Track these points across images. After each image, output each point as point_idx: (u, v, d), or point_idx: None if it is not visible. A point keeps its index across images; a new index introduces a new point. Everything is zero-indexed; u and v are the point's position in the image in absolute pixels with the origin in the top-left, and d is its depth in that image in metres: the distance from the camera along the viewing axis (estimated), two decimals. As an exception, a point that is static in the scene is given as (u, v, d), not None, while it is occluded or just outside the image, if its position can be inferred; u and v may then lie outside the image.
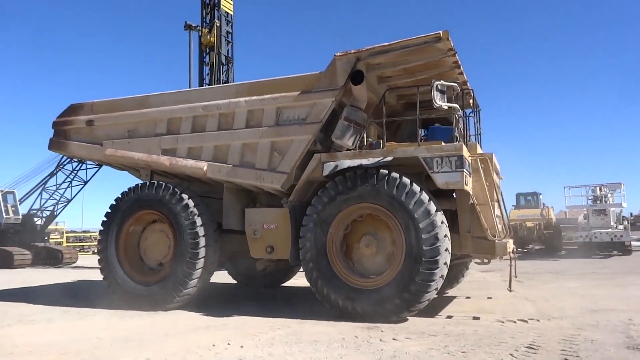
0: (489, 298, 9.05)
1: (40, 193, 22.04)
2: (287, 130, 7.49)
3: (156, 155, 8.36)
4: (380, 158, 6.94)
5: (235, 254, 8.93)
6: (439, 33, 6.69)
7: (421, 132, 9.13)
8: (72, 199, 22.53)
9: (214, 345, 5.53)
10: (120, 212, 8.31)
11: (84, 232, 36.84)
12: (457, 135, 7.29)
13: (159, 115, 8.44)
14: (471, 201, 7.10)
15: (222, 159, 7.97)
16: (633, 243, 22.28)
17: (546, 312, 7.27)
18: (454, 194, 7.34)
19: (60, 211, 22.67)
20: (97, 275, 15.87)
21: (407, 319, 6.68)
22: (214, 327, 6.50)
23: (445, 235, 6.54)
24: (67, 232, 31.51)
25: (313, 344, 5.49)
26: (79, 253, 23.67)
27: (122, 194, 8.37)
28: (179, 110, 8.28)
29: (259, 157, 7.67)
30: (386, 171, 6.79)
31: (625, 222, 21.86)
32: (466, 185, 6.65)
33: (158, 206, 8.04)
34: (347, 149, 7.37)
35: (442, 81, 6.73)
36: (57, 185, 21.79)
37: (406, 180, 6.67)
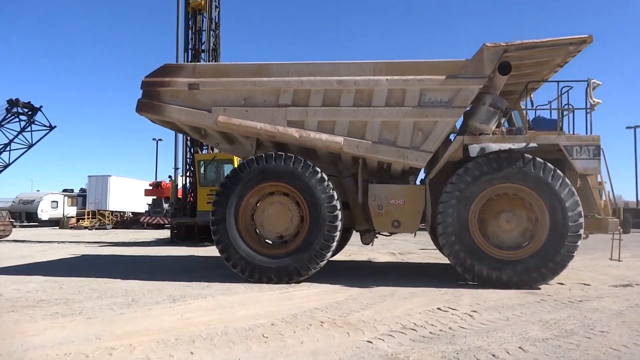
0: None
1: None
2: (432, 112, 7.88)
3: (282, 127, 8.18)
4: (526, 144, 7.73)
5: None
6: (586, 37, 7.59)
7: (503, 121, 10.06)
8: (10, 164, 19.92)
9: (438, 309, 5.96)
10: (242, 183, 8.04)
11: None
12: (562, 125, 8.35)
13: (284, 86, 8.23)
14: (578, 183, 8.21)
15: (356, 135, 8.09)
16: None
17: (629, 278, 8.73)
18: None
19: (-3, 177, 19.87)
20: (82, 250, 14.60)
21: (540, 288, 7.64)
22: (395, 297, 6.83)
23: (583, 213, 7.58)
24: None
25: (520, 307, 6.16)
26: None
27: (244, 164, 8.10)
28: (309, 82, 8.16)
29: (400, 136, 7.96)
30: (531, 155, 7.59)
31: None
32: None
33: (288, 178, 7.96)
34: (483, 133, 8.03)
35: (594, 80, 7.67)
36: (-1, 147, 19.10)
37: (550, 164, 7.54)
